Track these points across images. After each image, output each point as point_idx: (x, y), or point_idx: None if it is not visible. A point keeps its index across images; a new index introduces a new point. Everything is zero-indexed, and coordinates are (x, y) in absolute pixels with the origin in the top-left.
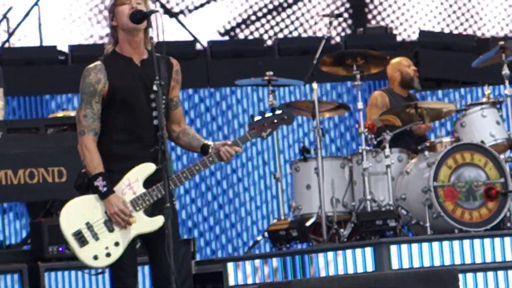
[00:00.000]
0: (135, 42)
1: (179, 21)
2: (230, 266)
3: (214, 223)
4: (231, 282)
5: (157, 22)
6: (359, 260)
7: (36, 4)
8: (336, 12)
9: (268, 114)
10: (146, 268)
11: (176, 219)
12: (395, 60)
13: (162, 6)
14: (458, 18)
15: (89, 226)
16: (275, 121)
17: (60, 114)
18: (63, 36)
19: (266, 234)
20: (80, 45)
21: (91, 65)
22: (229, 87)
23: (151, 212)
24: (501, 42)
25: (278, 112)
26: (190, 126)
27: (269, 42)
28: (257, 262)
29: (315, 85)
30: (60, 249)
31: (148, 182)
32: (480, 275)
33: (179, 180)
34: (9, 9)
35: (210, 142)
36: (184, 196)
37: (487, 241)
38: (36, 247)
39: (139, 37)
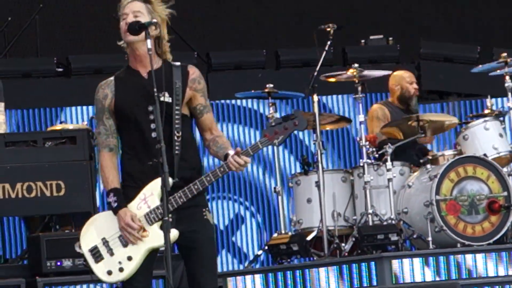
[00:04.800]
0: (139, 55)
1: (177, 33)
2: (230, 281)
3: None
4: None
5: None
6: (361, 274)
7: (34, 16)
8: (337, 23)
9: (279, 121)
10: (158, 282)
11: (209, 231)
12: (398, 73)
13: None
14: (461, 29)
15: (104, 242)
16: (287, 127)
17: (58, 127)
18: (62, 48)
19: (266, 248)
20: (79, 57)
21: (103, 81)
22: (228, 99)
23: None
24: (504, 54)
25: (290, 118)
26: None
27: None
28: (258, 276)
29: (315, 98)
30: (58, 263)
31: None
32: None
33: (190, 191)
34: (7, 22)
35: (232, 151)
36: None
37: (490, 255)
38: (34, 262)
39: (142, 50)
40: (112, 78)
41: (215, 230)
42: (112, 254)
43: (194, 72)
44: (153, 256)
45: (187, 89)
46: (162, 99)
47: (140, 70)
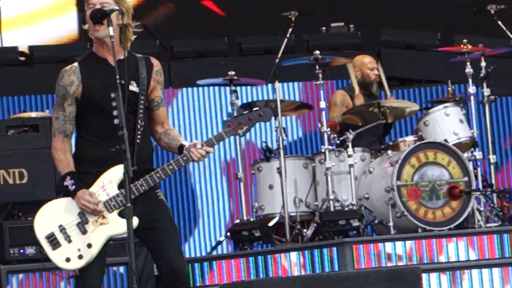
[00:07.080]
0: (107, 45)
1: (140, 21)
2: (193, 267)
3: (176, 224)
4: (194, 283)
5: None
6: (323, 260)
7: None
8: (298, 10)
9: (244, 111)
10: (121, 269)
11: (166, 211)
12: (359, 58)
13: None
14: (421, 15)
15: (61, 229)
16: (251, 118)
17: (21, 115)
18: (24, 37)
19: (228, 234)
20: (41, 46)
21: (67, 67)
22: (191, 87)
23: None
24: (465, 40)
25: (254, 109)
26: None
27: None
28: (220, 263)
29: (277, 85)
30: (22, 251)
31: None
32: (443, 274)
33: (152, 180)
34: None
35: (186, 143)
36: None
37: (450, 240)
38: None
39: (110, 40)
40: (76, 64)
41: (175, 216)
42: (70, 241)
43: (157, 64)
44: (107, 244)
45: (151, 81)
46: (130, 88)
47: (108, 58)
